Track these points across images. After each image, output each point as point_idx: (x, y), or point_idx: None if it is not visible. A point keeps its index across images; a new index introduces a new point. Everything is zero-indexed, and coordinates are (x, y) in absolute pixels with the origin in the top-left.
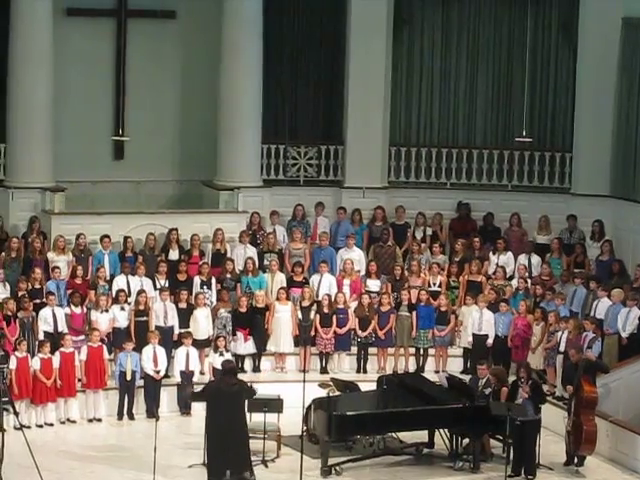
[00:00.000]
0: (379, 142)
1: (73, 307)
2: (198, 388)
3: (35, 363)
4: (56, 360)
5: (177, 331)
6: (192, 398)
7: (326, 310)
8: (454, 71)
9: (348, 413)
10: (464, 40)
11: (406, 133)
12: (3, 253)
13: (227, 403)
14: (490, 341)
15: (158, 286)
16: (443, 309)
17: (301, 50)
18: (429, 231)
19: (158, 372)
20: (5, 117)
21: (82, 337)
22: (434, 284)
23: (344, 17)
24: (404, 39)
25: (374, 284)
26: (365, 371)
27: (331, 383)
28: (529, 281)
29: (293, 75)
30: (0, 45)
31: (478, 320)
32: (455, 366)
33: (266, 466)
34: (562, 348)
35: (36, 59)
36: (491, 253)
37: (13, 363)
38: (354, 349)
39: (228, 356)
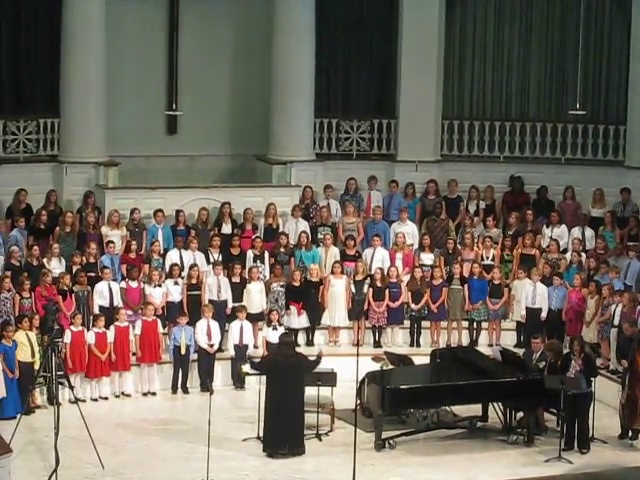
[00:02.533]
0: (432, 115)
1: (130, 281)
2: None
3: (90, 337)
4: (111, 334)
5: (230, 305)
6: (252, 366)
7: (379, 284)
8: (507, 43)
9: (401, 387)
10: (517, 12)
11: (459, 106)
12: (58, 228)
13: (284, 376)
14: (544, 315)
15: (211, 260)
16: (496, 282)
17: (354, 23)
18: (482, 204)
19: (212, 346)
20: (59, 92)
21: (137, 311)
22: (487, 257)
23: None
24: (457, 11)
25: (427, 257)
26: (418, 345)
27: (384, 357)
28: (583, 254)
29: (346, 49)
30: (54, 20)
31: (532, 293)
32: (508, 339)
33: (320, 440)
34: (616, 322)
35: (90, 32)
36: (544, 226)
37: (68, 337)
38: (407, 323)
39: (281, 330)
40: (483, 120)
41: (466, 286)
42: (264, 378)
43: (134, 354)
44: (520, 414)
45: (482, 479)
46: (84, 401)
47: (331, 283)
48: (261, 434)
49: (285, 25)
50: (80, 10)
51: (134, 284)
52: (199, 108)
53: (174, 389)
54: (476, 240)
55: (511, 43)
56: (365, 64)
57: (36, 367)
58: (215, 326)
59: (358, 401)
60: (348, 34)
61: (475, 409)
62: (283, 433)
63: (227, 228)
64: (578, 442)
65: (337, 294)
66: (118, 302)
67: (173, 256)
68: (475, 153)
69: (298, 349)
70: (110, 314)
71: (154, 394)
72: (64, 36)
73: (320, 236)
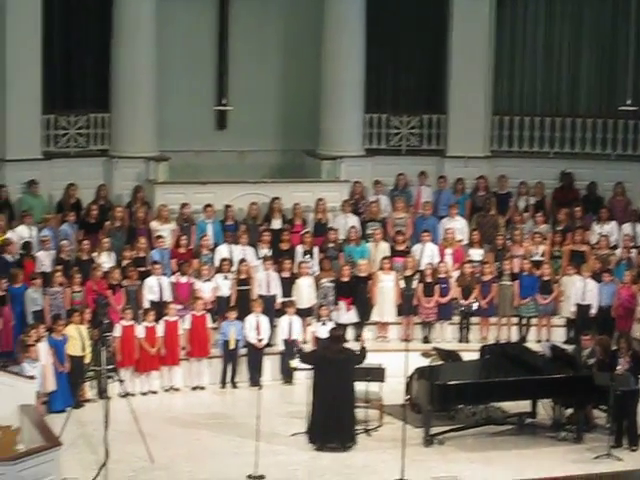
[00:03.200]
0: (482, 111)
1: (179, 276)
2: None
3: (139, 331)
4: (160, 329)
5: (280, 300)
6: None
7: (429, 279)
8: (558, 39)
9: (450, 383)
10: (568, 7)
11: (509, 101)
12: (108, 222)
13: (333, 371)
14: (594, 311)
15: (261, 255)
16: (546, 278)
17: (405, 18)
18: (532, 200)
19: (260, 341)
20: (109, 87)
21: (186, 306)
22: (536, 253)
23: None
24: (508, 6)
25: (476, 253)
26: (467, 340)
27: (433, 352)
28: (633, 251)
29: (396, 43)
30: (105, 15)
31: (581, 290)
32: (558, 336)
33: (369, 435)
34: None
35: (140, 28)
36: (594, 222)
37: (118, 331)
38: (456, 318)
39: (331, 325)
40: (533, 116)
41: (516, 282)
42: (313, 373)
43: (183, 348)
44: (569, 411)
45: (531, 475)
46: (134, 395)
47: (380, 279)
48: (309, 429)
49: (336, 20)
50: (131, 5)
51: (184, 279)
52: (249, 103)
53: (223, 384)
54: (525, 236)
55: (562, 38)
56: (415, 59)
57: (86, 361)
58: (264, 321)
59: (407, 397)
60: (399, 29)
61: (524, 405)
62: (332, 427)
63: (277, 223)
64: (627, 439)
65: (386, 290)
66: (168, 297)
67: (223, 251)
68: (525, 149)
69: (347, 344)
70: (160, 309)
71: (203, 388)
72: (115, 31)
73: (369, 231)
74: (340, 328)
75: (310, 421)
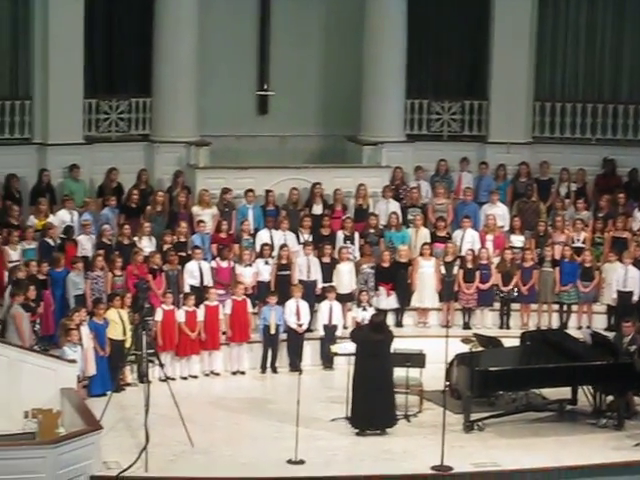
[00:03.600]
0: (524, 97)
1: (220, 261)
2: (340, 342)
3: (180, 316)
4: (201, 313)
5: (320, 285)
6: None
7: (469, 265)
8: (600, 25)
9: (491, 369)
10: None
11: (551, 88)
12: (149, 207)
13: (373, 355)
14: (635, 298)
15: (301, 240)
16: (587, 265)
17: (446, 4)
18: (573, 187)
19: (301, 326)
20: (151, 71)
21: (227, 291)
22: (578, 240)
23: None
24: None
25: (518, 240)
26: (508, 327)
27: (474, 338)
28: None
29: (438, 29)
30: (146, 0)
31: (623, 277)
32: (599, 323)
33: (408, 421)
34: None
35: (182, 14)
36: (636, 209)
37: (159, 316)
38: (497, 305)
39: (371, 311)
40: (575, 102)
41: (557, 269)
42: (353, 358)
43: (224, 333)
44: (610, 398)
45: (571, 462)
46: (174, 379)
47: (420, 264)
48: (350, 414)
49: (377, 5)
50: None
51: (224, 264)
52: (290, 88)
53: (263, 368)
54: (567, 222)
55: (604, 25)
56: (457, 45)
57: (127, 345)
58: (304, 306)
59: (447, 383)
60: (440, 15)
61: (564, 392)
62: (373, 411)
63: (317, 209)
64: None
65: (426, 275)
66: (208, 281)
67: (263, 236)
68: (567, 135)
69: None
70: (200, 293)
71: (243, 373)
72: (157, 15)
73: (410, 217)
74: (381, 314)
75: (352, 406)
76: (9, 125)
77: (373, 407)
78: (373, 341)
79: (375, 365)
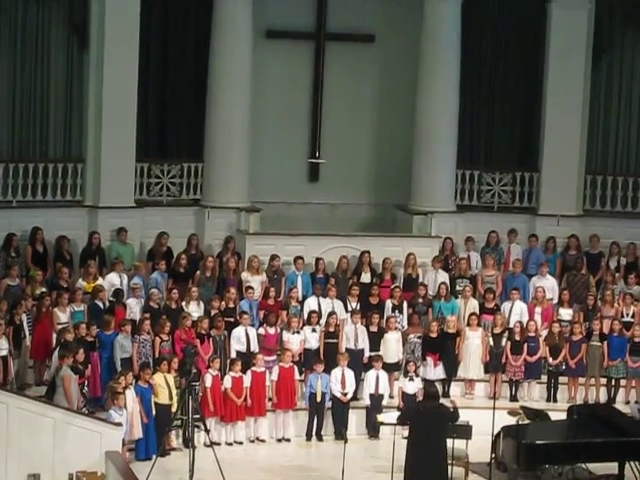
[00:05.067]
0: (575, 169)
1: (267, 327)
2: (387, 412)
3: (226, 381)
4: (247, 379)
5: (367, 354)
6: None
7: (517, 337)
8: None
9: (537, 442)
10: None
11: (603, 161)
12: (198, 272)
13: (427, 427)
14: None
15: (349, 308)
16: (637, 340)
17: (499, 76)
18: (623, 261)
19: (345, 395)
20: (203, 137)
21: (274, 357)
22: (627, 314)
23: (543, 41)
24: (603, 65)
25: (566, 313)
26: (555, 400)
27: (521, 411)
28: None
29: (490, 100)
30: (200, 65)
31: None
32: None
33: None
34: None
35: (236, 80)
36: None
37: (209, 381)
38: (544, 377)
39: (418, 381)
40: (627, 176)
41: (605, 343)
42: (399, 428)
43: (270, 399)
44: None
45: None
46: (219, 444)
47: (467, 335)
48: None
49: (431, 74)
50: (227, 56)
51: (272, 330)
52: (341, 156)
53: (309, 436)
54: (616, 297)
55: None
56: (509, 116)
57: (173, 409)
58: (350, 375)
59: (493, 455)
60: (492, 86)
61: (611, 467)
62: None
63: (366, 277)
64: None
65: (472, 346)
66: (255, 347)
67: (311, 303)
68: (618, 209)
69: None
70: (247, 359)
71: (288, 440)
72: (210, 81)
73: (459, 288)
74: (433, 385)
75: (404, 476)
76: (61, 187)
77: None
78: (427, 412)
79: (429, 436)
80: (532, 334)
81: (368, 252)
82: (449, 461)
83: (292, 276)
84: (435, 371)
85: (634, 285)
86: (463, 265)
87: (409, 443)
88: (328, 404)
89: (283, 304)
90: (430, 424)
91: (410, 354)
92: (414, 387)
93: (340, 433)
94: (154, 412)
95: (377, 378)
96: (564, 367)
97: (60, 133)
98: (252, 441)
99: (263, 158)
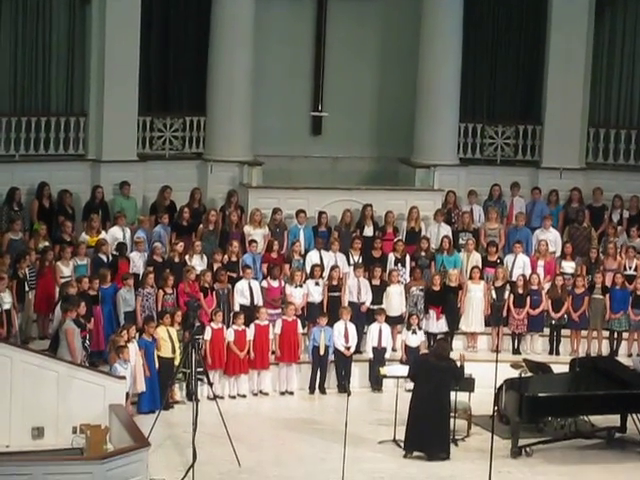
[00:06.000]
0: (578, 122)
1: (271, 280)
2: (390, 364)
3: (229, 335)
4: (250, 332)
5: (368, 305)
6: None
7: (520, 290)
8: None
9: (540, 395)
10: None
11: (606, 114)
12: (201, 225)
13: (432, 378)
14: None
15: (352, 262)
16: (639, 293)
17: (501, 29)
18: (626, 214)
19: (348, 348)
20: (205, 91)
21: (277, 310)
22: (630, 267)
23: None
24: (606, 19)
25: (569, 266)
26: (558, 353)
27: (523, 364)
28: None
29: (492, 54)
30: (202, 19)
31: None
32: None
33: (456, 445)
34: None
35: (238, 33)
36: None
37: (208, 334)
38: (547, 330)
39: (421, 334)
40: (629, 129)
41: (608, 296)
42: (402, 381)
43: (273, 353)
44: None
45: None
46: (222, 398)
47: (469, 288)
48: (397, 437)
49: (433, 28)
50: (229, 10)
51: (275, 283)
52: (344, 109)
53: (312, 389)
54: (619, 250)
55: None
56: (511, 69)
57: (176, 363)
58: (352, 328)
59: (495, 407)
60: (495, 39)
61: (613, 420)
62: (423, 436)
63: (369, 230)
64: None
65: (474, 300)
66: (258, 301)
67: (314, 257)
68: (621, 162)
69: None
70: (250, 312)
71: (292, 393)
72: (212, 35)
73: (461, 241)
74: (447, 338)
75: (406, 427)
76: (63, 141)
77: (425, 431)
78: (434, 363)
79: (432, 388)
80: (535, 287)
81: (370, 205)
82: (452, 414)
83: (294, 230)
84: (437, 324)
85: (637, 238)
86: (466, 218)
87: (413, 394)
88: (331, 357)
89: (286, 257)
90: (438, 377)
91: (413, 307)
92: (417, 340)
93: (343, 386)
94: (157, 365)
95: (380, 331)
96: (566, 320)
97: (62, 87)
98: (255, 394)
99: (266, 112)
